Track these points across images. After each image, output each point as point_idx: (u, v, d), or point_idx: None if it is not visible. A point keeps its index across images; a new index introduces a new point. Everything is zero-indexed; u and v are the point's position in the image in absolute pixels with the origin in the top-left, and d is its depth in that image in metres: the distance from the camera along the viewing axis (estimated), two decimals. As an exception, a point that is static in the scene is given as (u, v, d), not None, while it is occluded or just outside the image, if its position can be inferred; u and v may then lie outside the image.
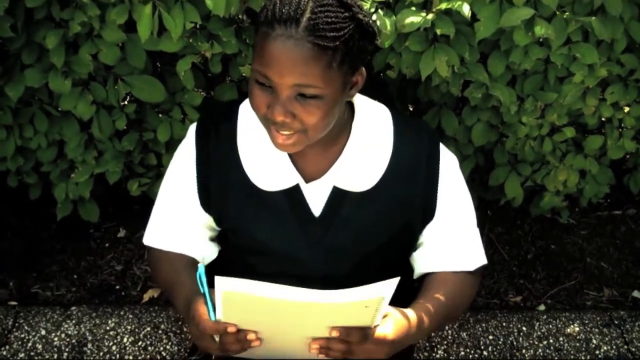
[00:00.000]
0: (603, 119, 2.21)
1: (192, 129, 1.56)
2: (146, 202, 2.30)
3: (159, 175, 2.26)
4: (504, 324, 2.34)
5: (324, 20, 1.25)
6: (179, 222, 1.59)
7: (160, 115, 2.09)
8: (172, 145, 2.15)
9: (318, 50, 1.25)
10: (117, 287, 2.43)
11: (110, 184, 2.21)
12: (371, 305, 1.26)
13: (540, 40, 1.85)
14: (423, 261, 1.61)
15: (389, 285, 1.23)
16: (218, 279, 1.19)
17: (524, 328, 2.33)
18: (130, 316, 2.25)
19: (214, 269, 1.64)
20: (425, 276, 1.61)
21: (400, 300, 1.67)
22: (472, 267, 1.59)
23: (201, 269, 1.32)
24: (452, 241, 1.58)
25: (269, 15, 1.26)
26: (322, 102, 1.30)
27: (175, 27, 1.73)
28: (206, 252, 1.63)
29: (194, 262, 1.59)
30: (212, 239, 1.65)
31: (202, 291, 1.34)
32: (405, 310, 1.43)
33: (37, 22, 1.83)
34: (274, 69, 1.26)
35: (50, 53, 1.82)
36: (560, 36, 1.82)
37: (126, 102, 2.08)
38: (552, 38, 1.79)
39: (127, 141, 2.11)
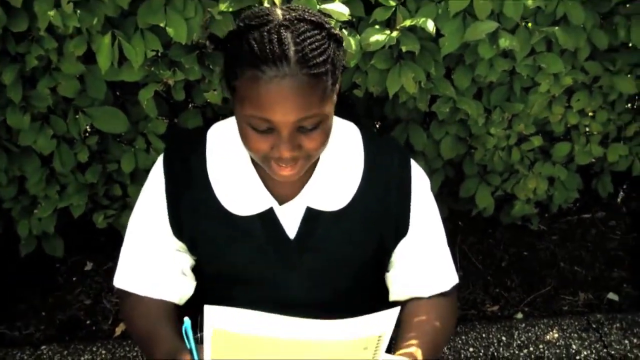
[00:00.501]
0: (569, 126, 2.21)
1: (160, 158, 1.51)
2: (112, 234, 2.26)
3: (124, 206, 2.21)
4: (483, 335, 2.33)
5: (310, 48, 1.22)
6: (151, 259, 1.53)
7: (123, 146, 2.04)
8: (137, 175, 2.11)
9: (314, 79, 1.22)
10: (88, 322, 2.36)
11: (75, 218, 2.15)
12: (370, 346, 1.22)
13: (505, 52, 1.85)
14: (397, 284, 1.58)
15: (389, 318, 1.17)
16: (208, 310, 1.12)
17: (504, 338, 2.32)
18: (104, 352, 2.19)
19: (191, 304, 1.61)
20: (403, 308, 1.58)
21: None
22: (446, 287, 1.56)
23: (187, 324, 1.25)
24: (424, 260, 1.55)
25: (250, 57, 1.22)
26: (324, 124, 1.29)
27: (136, 56, 1.68)
28: (182, 289, 1.57)
29: (171, 309, 1.54)
30: (189, 270, 1.59)
31: (188, 346, 1.28)
32: None
33: (-10, 57, 1.77)
34: (274, 111, 1.22)
35: (7, 89, 1.77)
36: (524, 47, 1.82)
37: (87, 134, 2.03)
38: (517, 49, 1.78)
39: (90, 174, 2.05)
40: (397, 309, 1.16)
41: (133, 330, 1.57)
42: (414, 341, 1.44)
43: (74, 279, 2.50)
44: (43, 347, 2.21)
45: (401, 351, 1.41)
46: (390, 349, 1.45)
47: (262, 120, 1.25)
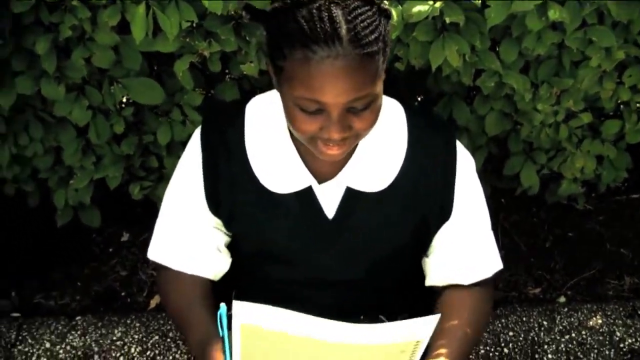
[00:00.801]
0: (620, 102, 2.13)
1: (197, 132, 1.48)
2: (149, 205, 2.25)
3: (161, 178, 2.19)
4: (524, 318, 2.26)
5: (362, 25, 1.16)
6: (186, 233, 1.51)
7: (159, 118, 2.01)
8: (173, 147, 2.08)
9: (367, 58, 1.17)
10: (123, 293, 2.36)
11: (111, 189, 2.13)
12: (407, 349, 1.17)
13: (554, 24, 1.77)
14: (436, 270, 1.54)
15: (428, 325, 1.13)
16: (236, 305, 1.08)
17: (545, 322, 2.25)
18: (137, 324, 2.18)
19: (226, 280, 1.60)
20: (440, 296, 1.54)
21: (412, 303, 1.62)
22: (488, 273, 1.52)
23: (222, 310, 1.22)
24: (467, 246, 1.51)
25: (300, 36, 1.16)
26: (374, 104, 1.24)
27: (170, 27, 1.65)
28: (217, 265, 1.55)
29: (206, 286, 1.52)
30: (224, 246, 1.57)
31: (220, 334, 1.24)
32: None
33: (25, 27, 1.74)
34: (325, 92, 1.17)
35: (41, 59, 1.75)
36: (575, 19, 1.73)
37: (123, 105, 2.00)
38: (567, 22, 1.71)
39: (126, 145, 2.03)
40: (438, 316, 1.13)
41: (167, 305, 1.57)
42: (445, 340, 1.40)
43: (110, 250, 2.49)
44: (78, 317, 2.20)
45: (434, 352, 1.38)
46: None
47: (312, 102, 1.20)
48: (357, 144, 1.41)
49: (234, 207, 1.47)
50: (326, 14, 1.15)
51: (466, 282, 1.51)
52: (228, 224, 1.51)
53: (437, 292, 1.56)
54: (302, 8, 1.16)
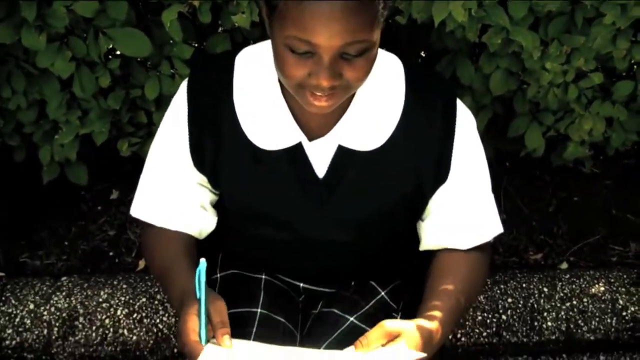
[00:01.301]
0: (634, 62, 2.04)
1: (184, 84, 1.42)
2: (139, 162, 2.15)
3: (150, 134, 2.10)
4: (523, 285, 2.19)
5: None
6: (170, 189, 1.46)
7: (148, 71, 1.92)
8: (162, 102, 1.99)
9: (366, 0, 1.10)
10: (111, 253, 2.29)
11: (97, 145, 2.05)
12: None
13: (568, -23, 1.67)
14: (431, 234, 1.48)
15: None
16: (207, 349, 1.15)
17: (545, 289, 2.18)
18: (125, 286, 2.11)
19: (213, 239, 1.56)
20: (435, 257, 1.49)
21: (404, 269, 1.56)
22: (487, 237, 1.48)
23: (201, 266, 1.20)
24: (464, 210, 1.45)
25: None
26: (369, 53, 1.17)
27: (157, -27, 1.55)
28: (202, 222, 1.50)
29: (190, 242, 1.48)
30: (210, 205, 1.53)
31: (197, 295, 1.21)
32: (423, 323, 1.31)
33: (3, -28, 1.64)
34: (319, 32, 1.10)
35: (20, 6, 1.65)
36: (589, -28, 1.64)
37: (110, 58, 1.90)
38: (581, -25, 1.61)
39: (112, 99, 1.94)
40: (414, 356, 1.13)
41: (150, 263, 1.54)
42: (438, 302, 1.36)
43: (99, 208, 2.42)
44: (63, 278, 2.13)
45: (426, 312, 1.34)
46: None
47: (304, 43, 1.13)
48: (351, 99, 1.34)
49: (220, 164, 1.41)
50: None
51: (464, 247, 1.46)
52: (214, 181, 1.46)
53: (430, 258, 1.51)
54: None
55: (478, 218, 1.46)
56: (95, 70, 1.87)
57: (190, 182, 1.45)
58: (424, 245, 1.51)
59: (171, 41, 1.84)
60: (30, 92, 1.95)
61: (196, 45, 2.03)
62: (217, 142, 1.39)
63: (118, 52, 1.86)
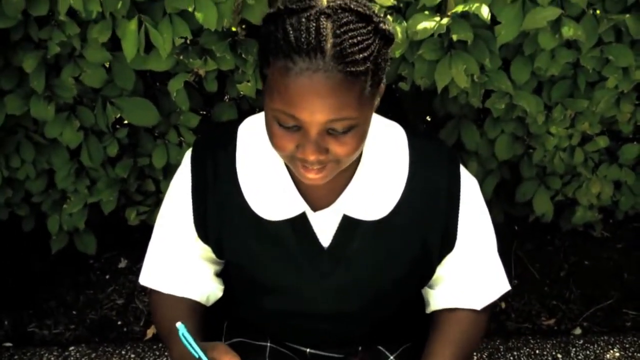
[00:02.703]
0: (639, 125, 2.02)
1: (187, 155, 1.42)
2: (147, 231, 2.16)
3: (158, 202, 2.11)
4: (537, 351, 2.16)
5: (350, 42, 1.08)
6: (176, 259, 1.45)
7: (155, 140, 1.94)
8: (169, 170, 2.01)
9: (350, 78, 1.09)
10: (119, 322, 2.28)
11: (106, 214, 2.06)
12: None
13: (569, 42, 1.69)
14: (441, 298, 1.46)
15: None
16: None
17: (559, 355, 2.15)
18: (133, 355, 2.10)
19: (219, 308, 1.54)
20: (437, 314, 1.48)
21: (413, 332, 1.55)
22: (495, 296, 1.46)
23: (182, 330, 1.19)
24: (472, 274, 1.44)
25: (284, 45, 1.09)
26: (356, 130, 1.15)
27: (163, 44, 1.58)
28: (209, 290, 1.49)
29: (194, 307, 1.46)
30: (217, 274, 1.52)
31: (193, 354, 1.20)
32: None
33: (14, 44, 1.68)
34: (302, 108, 1.10)
35: (29, 77, 1.68)
36: (590, 37, 1.65)
37: (118, 127, 1.93)
38: (582, 39, 1.62)
39: (120, 168, 1.96)
40: None
41: (158, 328, 1.52)
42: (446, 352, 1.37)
43: (107, 276, 2.42)
44: (71, 348, 2.12)
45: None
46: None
47: (289, 117, 1.12)
48: (355, 169, 1.34)
49: (224, 235, 1.40)
50: (314, 24, 1.08)
51: (475, 308, 1.44)
52: (218, 252, 1.44)
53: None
54: (293, 16, 1.10)
55: (485, 279, 1.45)
56: (103, 139, 1.89)
57: (195, 253, 1.45)
58: (432, 309, 1.49)
59: (178, 110, 1.87)
60: (39, 162, 1.97)
61: (203, 113, 2.05)
62: (221, 213, 1.39)
63: (126, 122, 1.89)
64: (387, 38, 1.16)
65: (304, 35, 1.07)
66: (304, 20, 1.08)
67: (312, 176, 1.20)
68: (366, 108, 1.15)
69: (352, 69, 1.08)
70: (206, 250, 1.45)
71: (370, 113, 1.19)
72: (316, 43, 1.07)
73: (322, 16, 1.08)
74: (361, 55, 1.09)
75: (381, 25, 1.15)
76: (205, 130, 1.91)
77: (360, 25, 1.11)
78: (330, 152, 1.16)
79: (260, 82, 1.22)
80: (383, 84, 1.23)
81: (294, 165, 1.22)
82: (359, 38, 1.10)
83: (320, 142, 1.14)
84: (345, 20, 1.10)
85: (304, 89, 1.09)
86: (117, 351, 2.11)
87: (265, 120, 1.20)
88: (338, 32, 1.08)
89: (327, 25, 1.08)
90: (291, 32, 1.09)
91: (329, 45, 1.07)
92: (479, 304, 1.44)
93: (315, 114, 1.10)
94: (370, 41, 1.12)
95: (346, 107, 1.11)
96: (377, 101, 1.23)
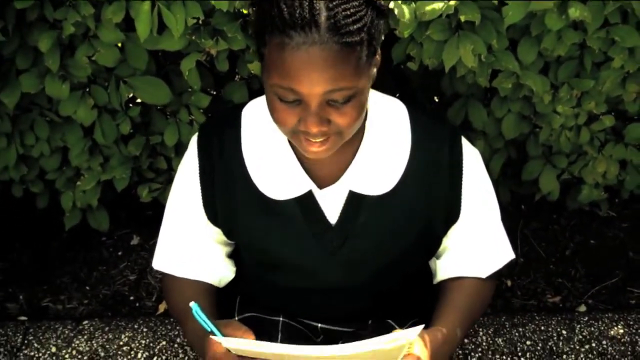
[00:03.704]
0: (645, 105, 2.04)
1: (194, 140, 1.45)
2: (159, 208, 2.19)
3: (170, 180, 2.14)
4: (542, 327, 2.19)
5: (343, 14, 1.12)
6: (188, 243, 1.49)
7: (167, 118, 1.97)
8: (181, 148, 2.03)
9: (346, 48, 1.13)
10: (131, 297, 2.32)
11: (118, 191, 2.09)
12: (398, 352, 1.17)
13: (575, 23, 1.70)
14: (447, 267, 1.51)
15: (412, 333, 1.13)
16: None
17: (564, 332, 2.17)
18: (145, 330, 2.14)
19: (232, 288, 1.59)
20: (445, 282, 1.52)
21: (421, 306, 1.56)
22: (499, 265, 1.50)
23: (195, 308, 1.24)
24: (477, 243, 1.48)
25: (279, 22, 1.12)
26: (356, 99, 1.19)
27: (176, 24, 1.60)
28: (221, 272, 1.54)
29: (208, 289, 1.51)
30: (229, 255, 1.56)
31: (207, 329, 1.24)
32: (432, 330, 1.35)
33: (29, 24, 1.71)
34: (301, 81, 1.13)
35: (44, 56, 1.71)
36: (597, 18, 1.66)
37: (130, 105, 1.96)
38: (588, 21, 1.63)
39: (133, 146, 1.99)
40: (421, 326, 1.14)
41: (172, 310, 1.57)
42: (453, 316, 1.42)
43: (120, 253, 2.46)
44: (85, 322, 2.17)
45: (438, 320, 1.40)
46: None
47: (289, 91, 1.16)
48: (358, 146, 1.37)
49: (233, 217, 1.43)
50: (307, 0, 1.11)
51: (481, 276, 1.48)
52: (228, 233, 1.48)
53: None
54: None
55: (490, 248, 1.48)
56: (116, 117, 1.92)
57: (206, 235, 1.48)
58: (439, 279, 1.53)
59: (189, 89, 1.89)
60: (53, 140, 2.00)
61: (214, 93, 2.08)
62: (229, 195, 1.42)
63: (138, 100, 1.91)
64: (379, 9, 1.19)
65: (297, 11, 1.10)
66: None
67: (316, 149, 1.23)
68: (363, 77, 1.18)
69: (347, 39, 1.12)
70: (217, 233, 1.49)
71: (368, 83, 1.22)
72: (310, 17, 1.10)
73: None
74: (355, 26, 1.13)
75: None
76: (210, 116, 1.94)
77: None
78: (332, 122, 1.19)
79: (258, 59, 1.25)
80: (378, 55, 1.26)
81: (297, 141, 1.25)
82: (351, 10, 1.13)
83: (321, 113, 1.17)
84: None
85: (301, 62, 1.12)
86: (129, 325, 2.15)
87: (266, 98, 1.24)
88: (331, 5, 1.11)
89: (319, 1, 1.11)
90: (285, 8, 1.12)
91: (323, 18, 1.10)
92: (484, 273, 1.48)
93: (314, 86, 1.13)
94: (362, 12, 1.15)
95: (344, 78, 1.14)
96: (373, 72, 1.26)
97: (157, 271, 2.33)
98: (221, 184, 1.41)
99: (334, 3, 1.12)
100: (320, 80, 1.13)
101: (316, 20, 1.10)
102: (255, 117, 1.40)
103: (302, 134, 1.22)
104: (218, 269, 1.52)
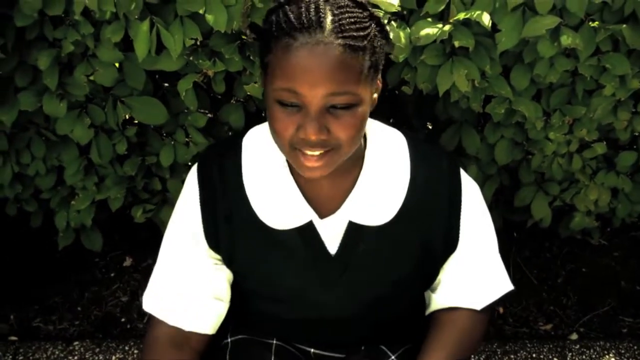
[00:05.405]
0: (636, 133, 2.06)
1: (193, 170, 1.44)
2: (153, 229, 2.21)
3: (164, 201, 2.15)
4: (534, 355, 2.19)
5: (348, 20, 1.14)
6: (186, 280, 1.42)
7: (163, 138, 1.98)
8: (176, 169, 2.04)
9: (350, 51, 1.14)
10: (123, 319, 2.31)
11: (113, 211, 2.10)
12: None
13: (567, 50, 1.73)
14: (441, 298, 1.49)
15: None
16: None
17: (556, 359, 2.17)
18: (136, 351, 2.13)
19: (226, 315, 1.52)
20: (436, 312, 1.51)
21: (415, 332, 1.57)
22: (496, 296, 1.49)
23: None
24: (474, 274, 1.47)
25: (285, 26, 1.15)
26: (357, 110, 1.19)
27: (174, 45, 1.62)
28: (218, 313, 1.47)
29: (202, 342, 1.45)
30: (224, 291, 1.49)
31: None
32: None
33: (29, 43, 1.72)
34: (303, 80, 1.14)
35: (43, 74, 1.72)
36: (588, 46, 1.68)
37: (127, 126, 1.97)
38: (580, 48, 1.66)
39: (128, 166, 2.00)
40: None
41: None
42: (436, 353, 1.39)
43: (112, 274, 2.46)
44: (75, 342, 2.16)
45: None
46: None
47: (291, 93, 1.16)
48: (357, 176, 1.37)
49: (234, 245, 1.41)
50: (313, 6, 1.14)
51: (477, 307, 1.46)
52: (229, 262, 1.45)
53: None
54: (293, 4, 1.16)
55: (487, 279, 1.47)
56: (112, 137, 1.93)
57: (206, 268, 1.42)
58: (432, 309, 1.51)
59: (186, 110, 1.90)
60: (49, 158, 2.01)
61: (210, 115, 2.09)
62: (231, 223, 1.40)
63: (135, 120, 1.93)
64: (381, 25, 1.21)
65: (304, 15, 1.13)
66: (303, 4, 1.15)
67: (312, 164, 1.22)
68: (365, 89, 1.19)
69: (350, 42, 1.14)
70: (217, 260, 1.44)
71: (369, 97, 1.22)
72: (316, 19, 1.13)
73: (321, 1, 1.15)
74: (359, 33, 1.15)
75: (375, 14, 1.21)
76: (210, 144, 1.93)
77: (357, 10, 1.18)
78: (331, 132, 1.19)
79: (261, 75, 1.26)
80: (379, 81, 1.27)
81: (294, 157, 1.24)
82: (356, 18, 1.16)
83: (321, 120, 1.17)
84: (342, 3, 1.16)
85: (304, 61, 1.13)
86: (120, 346, 2.15)
87: (267, 110, 1.23)
88: (336, 11, 1.14)
89: (325, 7, 1.14)
90: (291, 14, 1.14)
91: (328, 21, 1.13)
92: (479, 304, 1.46)
93: (316, 87, 1.14)
94: (367, 24, 1.17)
95: (346, 82, 1.15)
96: (374, 95, 1.27)
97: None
98: (222, 213, 1.39)
99: (340, 10, 1.15)
100: (323, 81, 1.13)
101: (321, 22, 1.13)
102: (256, 145, 1.39)
103: (299, 149, 1.21)
104: (215, 311, 1.45)
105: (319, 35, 1.12)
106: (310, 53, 1.12)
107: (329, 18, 1.13)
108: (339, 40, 1.13)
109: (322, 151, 1.21)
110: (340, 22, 1.13)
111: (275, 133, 1.23)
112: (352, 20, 1.15)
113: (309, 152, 1.21)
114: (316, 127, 1.17)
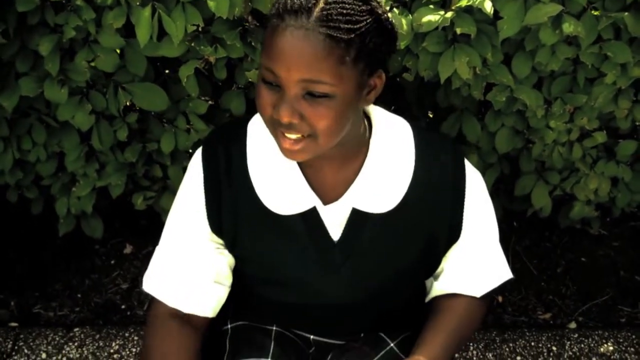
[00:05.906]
0: (637, 122, 2.06)
1: (198, 152, 1.43)
2: (153, 217, 2.21)
3: (164, 188, 2.15)
4: (532, 343, 2.19)
5: (339, 11, 1.14)
6: (188, 262, 1.42)
7: (164, 125, 1.98)
8: (177, 156, 2.04)
9: (330, 42, 1.14)
10: (123, 306, 2.32)
11: (113, 198, 2.10)
12: None
13: (569, 38, 1.72)
14: (442, 285, 1.50)
15: None
16: None
17: (554, 348, 2.18)
18: (136, 338, 2.14)
19: (226, 301, 1.52)
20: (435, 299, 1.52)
21: (414, 319, 1.57)
22: (496, 283, 1.49)
23: None
24: (474, 262, 1.47)
25: (280, 8, 1.16)
26: (333, 102, 1.18)
27: (176, 31, 1.62)
28: (219, 297, 1.46)
29: (196, 345, 1.44)
30: (225, 275, 1.48)
31: None
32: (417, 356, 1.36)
33: (30, 28, 1.72)
34: (280, 62, 1.15)
35: (44, 60, 1.72)
36: (590, 34, 1.68)
37: (128, 112, 1.97)
38: (582, 36, 1.66)
39: (129, 152, 2.00)
40: None
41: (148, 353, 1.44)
42: (435, 338, 1.41)
43: (112, 261, 2.46)
44: (76, 329, 2.16)
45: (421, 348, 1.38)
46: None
47: (270, 73, 1.18)
48: (362, 163, 1.37)
49: (237, 229, 1.41)
50: None
51: (476, 295, 1.47)
52: (231, 247, 1.45)
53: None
54: None
55: (487, 267, 1.48)
56: (113, 123, 1.93)
57: (208, 251, 1.42)
58: (432, 295, 1.52)
59: (187, 96, 1.90)
60: (50, 145, 2.01)
61: (211, 102, 2.09)
62: (234, 208, 1.39)
63: (136, 107, 1.93)
64: (383, 26, 1.20)
65: (299, 0, 1.15)
66: None
67: (288, 147, 1.23)
68: (346, 83, 1.18)
69: (333, 33, 1.13)
70: (219, 244, 1.44)
71: (353, 96, 1.21)
72: (305, 4, 1.14)
73: None
74: (346, 26, 1.14)
75: (378, 10, 1.20)
76: (215, 128, 1.93)
77: (355, 2, 1.17)
78: (305, 118, 1.19)
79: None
80: (378, 78, 1.26)
81: (276, 138, 1.26)
82: (349, 11, 1.15)
83: (295, 103, 1.18)
84: None
85: (284, 44, 1.14)
86: (120, 333, 2.15)
87: (257, 82, 1.25)
88: (330, 1, 1.15)
89: None
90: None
91: (317, 9, 1.14)
92: (478, 291, 1.47)
93: (291, 70, 1.15)
94: (361, 18, 1.16)
95: (321, 70, 1.15)
96: (370, 95, 1.27)
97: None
98: (226, 197, 1.39)
99: (334, 0, 1.15)
100: (297, 65, 1.14)
101: (310, 8, 1.13)
102: (262, 131, 1.38)
103: (278, 128, 1.22)
104: (215, 295, 1.44)
105: (304, 21, 1.13)
106: (292, 36, 1.13)
107: (320, 6, 1.14)
108: (322, 29, 1.13)
109: (298, 136, 1.21)
110: (329, 12, 1.13)
111: (258, 108, 1.25)
112: (344, 11, 1.14)
113: (286, 134, 1.22)
114: (288, 109, 1.17)
